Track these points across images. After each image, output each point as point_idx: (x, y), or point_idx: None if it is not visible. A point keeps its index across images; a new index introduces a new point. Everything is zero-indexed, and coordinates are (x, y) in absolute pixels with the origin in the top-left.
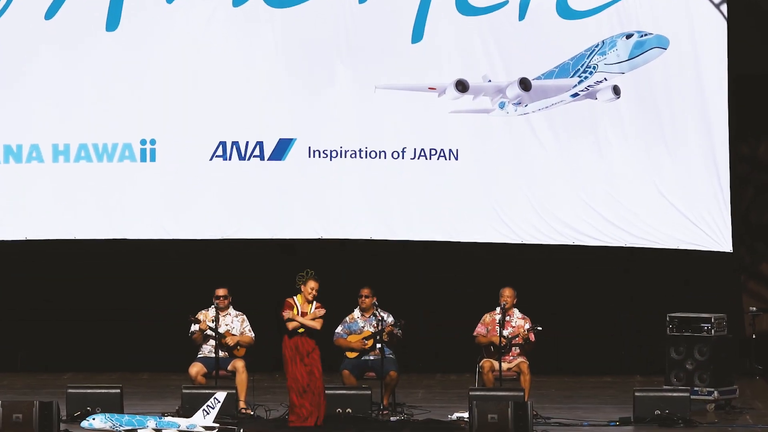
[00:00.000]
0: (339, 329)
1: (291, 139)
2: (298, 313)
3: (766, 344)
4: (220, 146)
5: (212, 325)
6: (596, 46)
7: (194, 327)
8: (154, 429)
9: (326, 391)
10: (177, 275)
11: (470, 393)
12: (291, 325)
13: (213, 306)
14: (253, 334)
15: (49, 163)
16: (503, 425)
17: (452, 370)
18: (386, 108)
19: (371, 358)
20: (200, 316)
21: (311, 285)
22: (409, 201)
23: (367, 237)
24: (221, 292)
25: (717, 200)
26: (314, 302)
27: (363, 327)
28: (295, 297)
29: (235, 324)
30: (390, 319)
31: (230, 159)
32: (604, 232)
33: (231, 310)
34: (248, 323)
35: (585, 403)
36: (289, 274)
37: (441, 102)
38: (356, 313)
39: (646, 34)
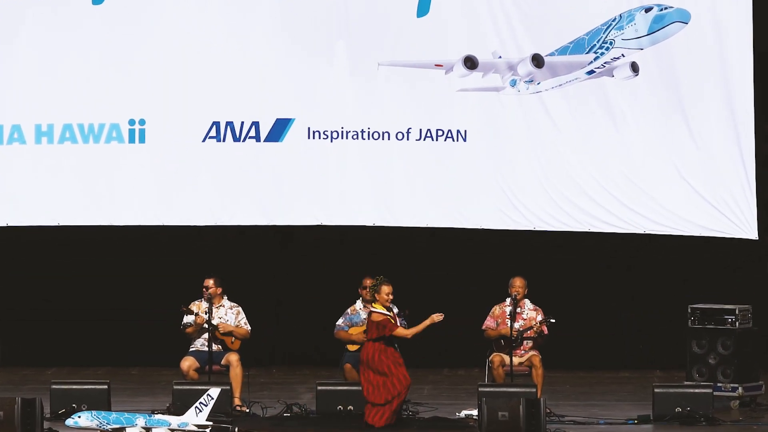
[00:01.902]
0: (340, 321)
1: (289, 119)
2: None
3: None
4: (214, 127)
5: (206, 317)
6: (613, 21)
7: (187, 319)
8: (143, 427)
9: (327, 387)
10: (168, 264)
11: (479, 389)
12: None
13: (204, 298)
14: (249, 327)
15: (31, 144)
16: (514, 423)
17: (460, 364)
18: (390, 86)
19: None
20: (193, 307)
21: (385, 290)
22: (414, 185)
23: (370, 223)
24: (209, 282)
25: (741, 184)
26: (393, 309)
27: (365, 319)
28: (373, 306)
29: (230, 317)
30: (394, 310)
31: (224, 140)
32: (622, 218)
33: (225, 301)
34: (244, 315)
35: (601, 400)
36: (286, 263)
37: (448, 80)
38: (358, 304)
39: (666, 8)
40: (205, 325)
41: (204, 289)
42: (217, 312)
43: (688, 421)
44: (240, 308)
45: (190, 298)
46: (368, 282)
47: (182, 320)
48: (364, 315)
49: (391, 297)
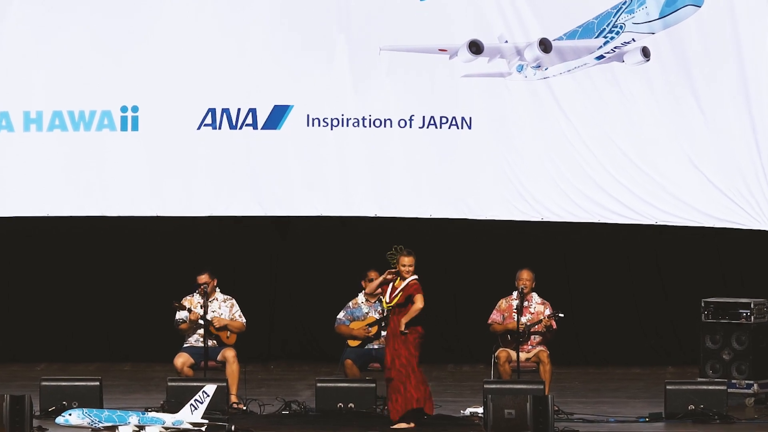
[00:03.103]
0: (341, 315)
1: (287, 106)
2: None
3: None
4: (209, 113)
5: (201, 312)
6: (623, 4)
7: (180, 315)
8: (136, 426)
9: (327, 384)
10: (161, 256)
11: (485, 386)
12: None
13: (197, 293)
14: (244, 320)
15: (19, 132)
16: (521, 421)
17: (465, 360)
18: (392, 72)
19: (375, 347)
20: (185, 302)
21: (404, 262)
22: (417, 174)
23: (371, 214)
24: (203, 278)
25: (756, 173)
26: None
27: (367, 313)
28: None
29: (224, 310)
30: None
31: (220, 128)
32: (633, 209)
33: (218, 294)
34: (238, 308)
35: (611, 397)
36: (284, 254)
37: (452, 65)
38: (360, 297)
39: None
40: (200, 321)
41: (203, 287)
42: (211, 306)
43: (701, 419)
44: (234, 300)
45: (185, 292)
46: (373, 275)
47: (175, 317)
48: (366, 309)
49: (411, 269)
